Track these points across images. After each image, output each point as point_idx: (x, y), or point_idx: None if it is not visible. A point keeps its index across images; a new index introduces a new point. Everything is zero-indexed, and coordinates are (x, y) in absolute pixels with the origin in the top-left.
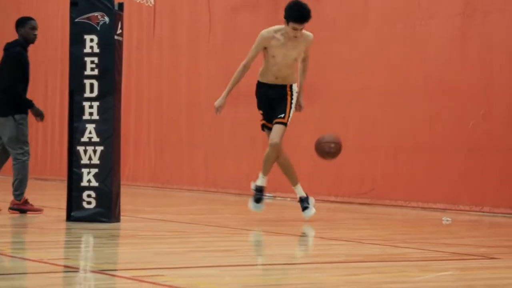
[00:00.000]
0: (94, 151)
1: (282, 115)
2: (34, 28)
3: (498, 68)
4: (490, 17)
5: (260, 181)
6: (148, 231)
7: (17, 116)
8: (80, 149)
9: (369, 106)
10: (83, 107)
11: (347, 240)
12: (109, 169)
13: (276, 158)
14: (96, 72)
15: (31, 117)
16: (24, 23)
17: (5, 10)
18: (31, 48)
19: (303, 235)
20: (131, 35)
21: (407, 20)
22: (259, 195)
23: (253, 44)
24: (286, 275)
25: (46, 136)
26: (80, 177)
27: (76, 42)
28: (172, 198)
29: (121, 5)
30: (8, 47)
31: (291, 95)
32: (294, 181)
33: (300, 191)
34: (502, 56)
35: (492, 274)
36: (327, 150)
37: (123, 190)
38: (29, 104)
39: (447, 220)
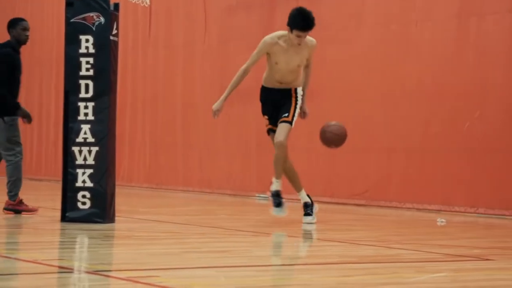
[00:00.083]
0: (89, 152)
1: (287, 114)
2: (25, 29)
3: (492, 70)
4: (485, 20)
5: (275, 185)
6: (143, 232)
7: (7, 118)
8: (75, 149)
9: (363, 108)
10: (78, 108)
11: (341, 241)
12: (104, 170)
13: (285, 158)
14: (91, 72)
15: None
16: (15, 24)
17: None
18: (26, 49)
19: (298, 236)
20: (127, 35)
21: (402, 22)
22: (277, 199)
23: (248, 44)
24: (280, 276)
25: (41, 136)
26: (75, 177)
27: (72, 42)
28: (167, 199)
29: (116, 6)
30: None
31: (296, 97)
32: (298, 187)
33: (304, 197)
34: (497, 58)
35: (486, 276)
36: (330, 140)
37: (118, 190)
38: (15, 106)
39: (442, 222)
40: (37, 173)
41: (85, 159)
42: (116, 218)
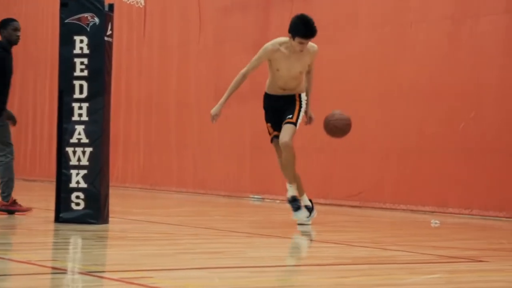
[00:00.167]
0: (83, 153)
1: (291, 116)
2: (16, 29)
3: (487, 71)
4: (480, 21)
5: (290, 191)
6: (137, 233)
7: None
8: (69, 150)
9: (358, 109)
10: (72, 108)
11: (336, 243)
12: (98, 171)
13: (294, 159)
14: (85, 73)
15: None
16: (6, 25)
17: None
18: (20, 49)
19: (292, 237)
20: (121, 36)
21: (398, 23)
22: (296, 204)
23: (243, 45)
24: (274, 277)
25: (35, 137)
26: (68, 178)
27: (66, 43)
28: (160, 200)
29: (111, 6)
30: None
31: (300, 101)
32: (300, 192)
33: (305, 200)
34: (492, 59)
35: (479, 277)
36: (333, 132)
37: (111, 191)
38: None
39: (436, 223)
40: (31, 173)
41: (79, 160)
42: (110, 219)
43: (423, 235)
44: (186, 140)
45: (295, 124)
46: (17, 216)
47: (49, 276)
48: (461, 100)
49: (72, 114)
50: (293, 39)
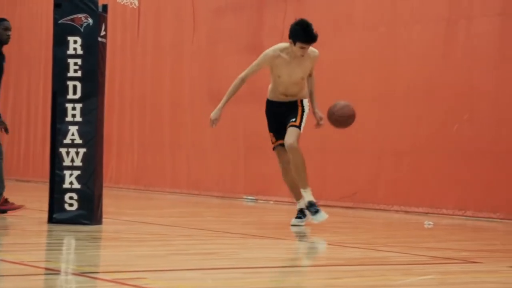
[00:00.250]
0: (77, 153)
1: (294, 119)
2: (7, 29)
3: (482, 73)
4: (474, 23)
5: (307, 196)
6: (130, 234)
7: None
8: (63, 151)
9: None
10: (66, 109)
11: (329, 244)
12: (91, 171)
13: (303, 162)
14: (79, 74)
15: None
16: None
17: None
18: (14, 49)
19: (285, 238)
20: (115, 36)
21: (392, 24)
22: (314, 208)
23: (237, 46)
24: (268, 278)
25: (29, 137)
26: (62, 179)
27: (60, 43)
28: (154, 201)
29: (105, 7)
30: None
31: (302, 107)
32: (297, 197)
33: (301, 205)
34: (486, 61)
35: (473, 278)
36: (337, 124)
37: (105, 192)
38: None
39: (429, 224)
40: (24, 174)
41: (72, 160)
42: (104, 219)
43: (416, 236)
44: (180, 140)
45: (298, 127)
46: (10, 217)
47: (43, 277)
48: (455, 101)
49: (65, 115)
50: (294, 45)
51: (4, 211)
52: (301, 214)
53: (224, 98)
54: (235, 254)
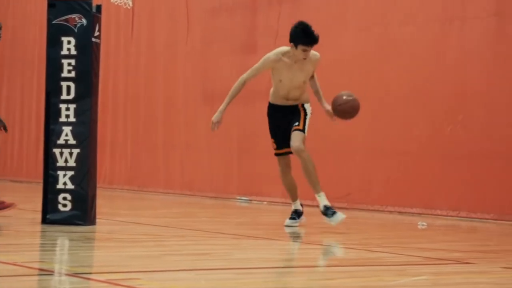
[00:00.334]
0: (70, 154)
1: (297, 123)
2: None
3: (475, 74)
4: (468, 23)
5: (322, 201)
6: (124, 234)
7: None
8: (56, 151)
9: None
10: (59, 109)
11: (323, 244)
12: (85, 172)
13: (313, 165)
14: (73, 74)
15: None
16: None
17: None
18: (8, 50)
19: (279, 239)
20: (109, 37)
21: (385, 25)
22: (331, 211)
23: (231, 46)
24: (261, 279)
25: (22, 138)
26: (56, 179)
27: (53, 44)
28: (148, 201)
29: (98, 7)
30: None
31: (305, 110)
32: (293, 198)
33: (297, 205)
34: (480, 62)
35: (466, 279)
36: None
37: (99, 192)
38: None
39: (423, 225)
40: (18, 174)
41: (66, 161)
42: (97, 220)
43: (410, 237)
44: (174, 141)
45: (303, 130)
46: (3, 218)
47: (36, 277)
48: (449, 103)
49: (59, 115)
50: (296, 48)
51: None
52: (295, 215)
53: (226, 101)
54: (229, 255)
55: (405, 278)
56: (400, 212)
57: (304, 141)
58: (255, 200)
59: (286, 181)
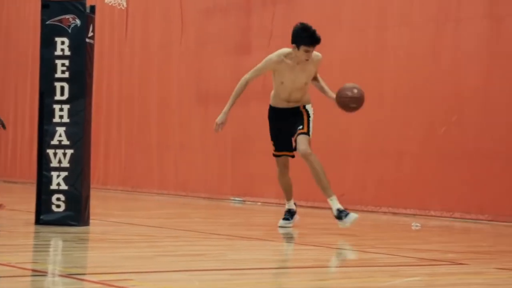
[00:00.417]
0: (64, 154)
1: (301, 127)
2: None
3: (469, 75)
4: (462, 25)
5: (334, 204)
6: (117, 235)
7: None
8: (50, 152)
9: (339, 111)
10: (53, 110)
11: (316, 245)
12: (79, 173)
13: (321, 168)
14: (67, 75)
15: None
16: None
17: None
18: (1, 50)
19: (273, 239)
20: (103, 37)
21: (380, 26)
22: (344, 213)
23: (225, 47)
24: (255, 280)
25: (16, 138)
26: (49, 180)
27: (47, 44)
28: (141, 202)
29: (92, 8)
30: None
31: (307, 111)
32: (288, 197)
33: (290, 205)
34: (474, 63)
35: (459, 280)
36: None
37: (92, 193)
38: None
39: (417, 226)
40: (12, 175)
41: (60, 161)
42: (91, 221)
43: (404, 237)
44: (168, 142)
45: (307, 133)
46: None
47: (30, 278)
48: (443, 103)
49: (53, 116)
50: (298, 49)
51: None
52: (288, 215)
53: (229, 102)
54: (222, 256)
55: (399, 279)
56: (394, 213)
57: (310, 144)
58: (249, 201)
59: (283, 181)
